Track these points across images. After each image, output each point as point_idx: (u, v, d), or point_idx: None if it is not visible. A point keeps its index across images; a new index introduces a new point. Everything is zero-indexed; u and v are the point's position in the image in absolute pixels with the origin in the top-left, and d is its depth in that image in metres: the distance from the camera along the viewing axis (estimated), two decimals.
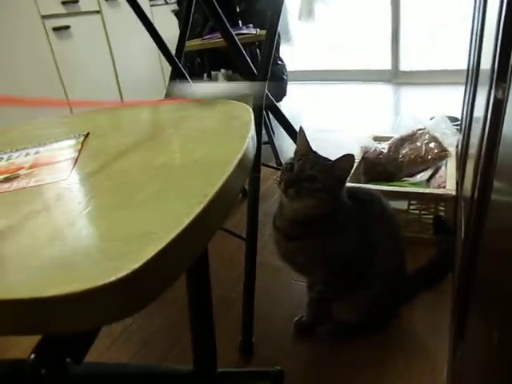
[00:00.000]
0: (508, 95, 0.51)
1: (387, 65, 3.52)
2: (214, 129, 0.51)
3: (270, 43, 1.03)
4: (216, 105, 0.60)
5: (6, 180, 0.46)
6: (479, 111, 0.87)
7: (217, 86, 0.65)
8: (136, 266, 0.26)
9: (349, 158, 0.86)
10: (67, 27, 2.56)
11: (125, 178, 0.40)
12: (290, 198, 0.86)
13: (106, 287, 0.24)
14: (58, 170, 0.46)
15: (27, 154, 0.53)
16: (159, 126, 0.57)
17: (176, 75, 1.46)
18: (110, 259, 0.28)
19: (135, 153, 0.47)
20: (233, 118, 0.53)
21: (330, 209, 0.89)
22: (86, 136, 0.58)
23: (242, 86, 0.62)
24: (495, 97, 0.58)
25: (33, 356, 0.28)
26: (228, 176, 0.35)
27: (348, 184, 0.93)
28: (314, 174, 0.84)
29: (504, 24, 0.59)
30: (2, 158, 0.53)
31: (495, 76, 0.60)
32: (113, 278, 0.25)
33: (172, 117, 0.61)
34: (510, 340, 0.35)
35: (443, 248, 1.21)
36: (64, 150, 0.53)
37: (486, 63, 0.84)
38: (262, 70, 1.05)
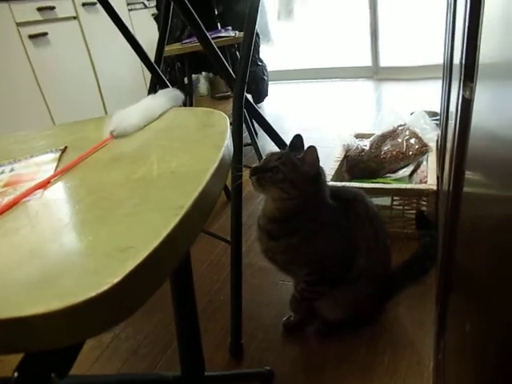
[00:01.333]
0: (475, 95, 0.53)
1: (368, 61, 3.56)
2: (190, 138, 0.52)
3: (247, 44, 1.04)
4: (194, 113, 0.61)
5: None
6: (453, 106, 0.89)
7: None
8: (117, 279, 0.27)
9: (310, 149, 0.88)
10: (44, 34, 2.53)
11: (103, 193, 0.41)
12: (254, 187, 0.89)
13: (88, 302, 0.25)
14: (34, 187, 0.46)
15: (2, 172, 0.52)
16: (138, 138, 0.57)
17: (156, 81, 1.46)
18: (91, 274, 0.28)
19: (114, 166, 0.47)
20: (209, 126, 0.54)
21: (300, 203, 0.90)
22: (64, 150, 0.58)
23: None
24: (463, 96, 0.60)
25: (16, 374, 0.29)
26: (203, 187, 0.37)
27: (331, 183, 0.95)
28: (277, 165, 0.87)
29: (469, 25, 0.61)
30: None
31: (463, 76, 0.62)
32: (94, 293, 0.26)
33: (151, 127, 0.62)
34: (480, 330, 0.37)
35: (426, 242, 1.24)
36: (40, 166, 0.52)
37: (457, 59, 0.86)
38: (240, 71, 1.05)
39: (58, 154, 0.56)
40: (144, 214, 0.36)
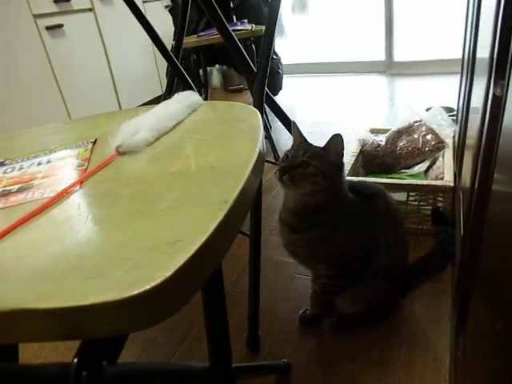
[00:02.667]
0: (507, 92, 0.53)
1: (381, 56, 3.53)
2: (224, 133, 0.53)
3: (268, 40, 1.03)
4: (225, 107, 0.61)
5: (20, 190, 0.46)
6: (477, 102, 0.88)
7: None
8: (169, 273, 0.27)
9: (336, 138, 0.87)
10: (60, 26, 2.54)
11: (142, 186, 0.41)
12: (285, 186, 0.88)
13: (142, 294, 0.26)
14: (71, 179, 0.47)
15: (39, 164, 0.53)
16: (171, 131, 0.57)
17: (174, 73, 1.46)
18: (141, 267, 0.29)
19: (148, 159, 0.48)
20: (241, 120, 0.55)
21: (328, 195, 0.90)
22: (94, 143, 0.59)
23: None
24: (494, 94, 0.60)
25: (76, 360, 0.30)
26: (245, 182, 0.37)
27: (350, 178, 0.95)
28: (306, 159, 0.86)
29: (502, 19, 0.60)
30: (15, 168, 0.53)
31: (493, 72, 0.62)
32: (148, 286, 0.26)
33: (180, 120, 0.62)
34: (508, 328, 0.37)
35: (442, 239, 1.23)
36: (74, 158, 0.53)
37: (482, 53, 0.85)
38: (261, 66, 1.05)
39: (90, 146, 0.57)
40: (187, 207, 0.36)
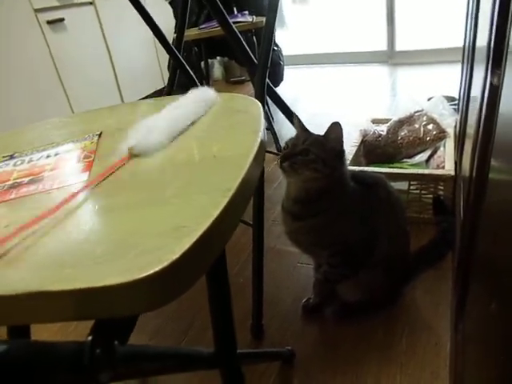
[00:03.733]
0: (503, 81, 0.54)
1: (383, 45, 3.51)
2: (226, 123, 0.54)
3: (269, 32, 1.04)
4: (226, 98, 0.62)
5: (32, 182, 0.48)
6: (476, 91, 0.89)
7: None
8: (176, 256, 0.29)
9: (335, 126, 0.89)
10: (61, 20, 2.55)
11: (148, 176, 0.43)
12: (286, 173, 0.90)
13: (152, 276, 0.28)
14: (80, 170, 0.49)
15: (48, 156, 0.55)
16: None
17: (175, 66, 1.47)
18: (149, 252, 0.31)
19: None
20: (243, 112, 0.56)
21: (330, 181, 0.92)
22: (100, 135, 0.61)
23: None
24: (491, 83, 0.61)
25: (90, 338, 0.32)
26: (247, 171, 0.39)
27: (352, 168, 0.96)
28: (306, 147, 0.88)
29: (499, 8, 0.61)
30: (24, 161, 0.55)
31: (490, 62, 0.63)
32: (157, 269, 0.28)
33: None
34: (507, 311, 0.39)
35: (443, 228, 1.25)
36: (81, 151, 0.55)
37: (481, 42, 0.86)
38: (262, 58, 1.06)
39: (95, 139, 0.59)
40: (191, 196, 0.38)
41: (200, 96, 0.61)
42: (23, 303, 0.28)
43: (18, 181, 0.48)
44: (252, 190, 0.41)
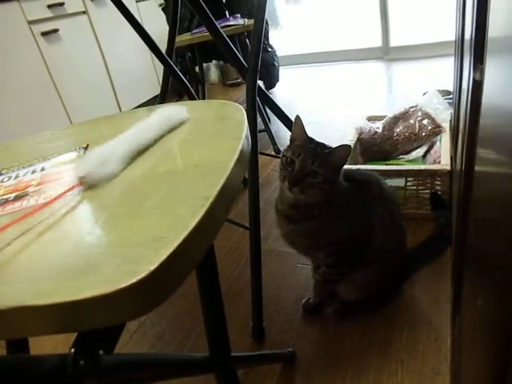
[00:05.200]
0: (485, 76, 0.54)
1: (378, 42, 3.51)
2: (210, 131, 0.55)
3: (257, 35, 1.04)
4: (210, 106, 0.63)
5: (17, 198, 0.48)
6: (465, 85, 0.89)
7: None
8: (152, 267, 0.29)
9: (346, 147, 0.89)
10: (56, 30, 2.57)
11: (131, 188, 0.44)
12: (295, 195, 0.90)
13: (130, 287, 0.28)
14: (65, 184, 0.48)
15: (34, 171, 0.55)
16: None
17: (168, 73, 1.48)
18: (129, 263, 0.31)
19: (138, 161, 0.50)
20: (227, 118, 0.57)
21: (330, 195, 0.93)
22: (86, 148, 0.61)
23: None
24: (474, 78, 0.61)
25: (73, 350, 0.33)
26: (226, 178, 0.39)
27: (348, 166, 0.96)
28: (315, 169, 0.88)
29: (478, 2, 0.61)
30: (11, 177, 0.56)
31: (473, 57, 0.63)
32: (134, 280, 0.29)
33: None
34: (491, 305, 0.39)
35: (441, 223, 1.25)
36: (67, 165, 0.55)
37: (468, 35, 0.86)
38: (252, 61, 1.06)
39: (82, 152, 0.59)
40: (172, 205, 0.38)
41: (164, 116, 0.59)
42: (4, 318, 0.29)
43: (5, 197, 0.49)
44: (233, 196, 0.42)
